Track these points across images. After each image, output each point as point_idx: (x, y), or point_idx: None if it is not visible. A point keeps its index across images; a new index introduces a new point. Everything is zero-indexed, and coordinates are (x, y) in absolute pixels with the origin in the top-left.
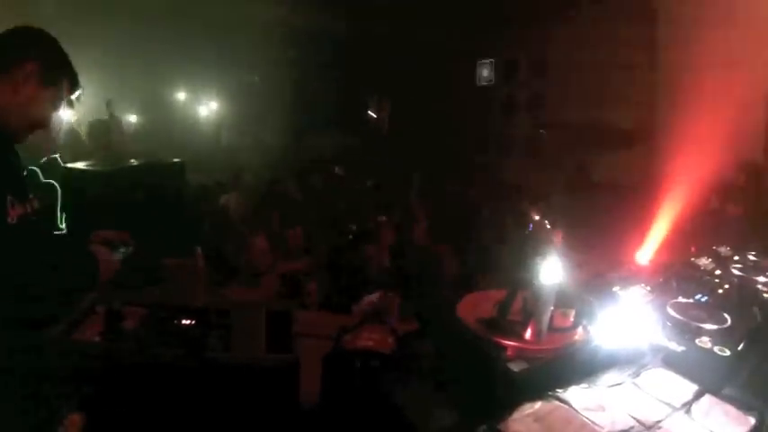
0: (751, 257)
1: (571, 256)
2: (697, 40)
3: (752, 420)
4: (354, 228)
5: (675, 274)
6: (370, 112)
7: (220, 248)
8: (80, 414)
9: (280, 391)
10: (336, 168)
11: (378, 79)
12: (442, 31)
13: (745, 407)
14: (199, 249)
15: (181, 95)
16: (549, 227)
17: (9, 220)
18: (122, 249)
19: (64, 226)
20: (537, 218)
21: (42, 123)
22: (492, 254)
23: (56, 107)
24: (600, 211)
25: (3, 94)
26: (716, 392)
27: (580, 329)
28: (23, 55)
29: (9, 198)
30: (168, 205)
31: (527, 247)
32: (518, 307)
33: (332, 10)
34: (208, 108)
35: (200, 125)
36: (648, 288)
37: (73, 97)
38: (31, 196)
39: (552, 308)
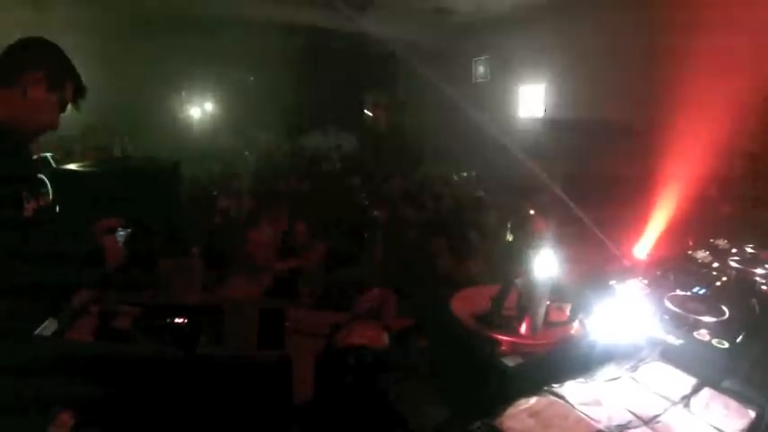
0: (749, 250)
1: (568, 251)
2: (697, 33)
3: (752, 414)
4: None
5: (673, 267)
6: (366, 111)
7: (223, 248)
8: (70, 413)
9: (272, 387)
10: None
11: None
12: (436, 30)
13: (745, 400)
14: (194, 249)
15: (175, 95)
16: (543, 221)
17: (25, 213)
18: (122, 233)
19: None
20: (532, 212)
21: (51, 125)
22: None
23: (62, 109)
24: (598, 205)
25: (13, 100)
26: (715, 386)
27: (576, 323)
28: (30, 63)
29: (24, 194)
30: (163, 205)
31: (521, 242)
32: (513, 302)
33: (329, 8)
34: (202, 108)
35: (194, 125)
36: (645, 281)
37: (78, 99)
38: (42, 191)
39: (548, 302)
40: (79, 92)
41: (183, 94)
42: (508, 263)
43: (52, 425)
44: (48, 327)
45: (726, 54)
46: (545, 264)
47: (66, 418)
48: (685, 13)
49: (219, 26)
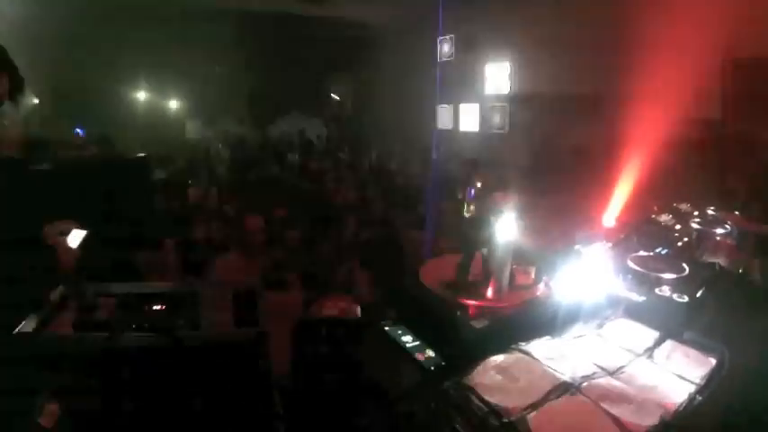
0: (710, 212)
1: (536, 220)
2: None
3: (713, 361)
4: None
5: (636, 230)
6: (333, 95)
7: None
8: (56, 404)
9: (249, 365)
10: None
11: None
12: (400, 9)
13: (706, 349)
14: (169, 242)
15: (142, 90)
16: (496, 189)
17: None
18: (76, 236)
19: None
20: (480, 183)
21: None
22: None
23: None
24: (566, 175)
25: None
26: (677, 337)
27: (542, 285)
28: None
29: None
30: (134, 200)
31: (482, 211)
32: (479, 268)
33: None
34: (171, 101)
35: (163, 118)
36: (610, 245)
37: (16, 94)
38: None
39: (513, 266)
40: (17, 85)
41: (150, 87)
42: (471, 231)
43: (39, 416)
44: (28, 323)
45: (686, 19)
46: (506, 229)
47: (52, 409)
48: None
49: (183, 16)
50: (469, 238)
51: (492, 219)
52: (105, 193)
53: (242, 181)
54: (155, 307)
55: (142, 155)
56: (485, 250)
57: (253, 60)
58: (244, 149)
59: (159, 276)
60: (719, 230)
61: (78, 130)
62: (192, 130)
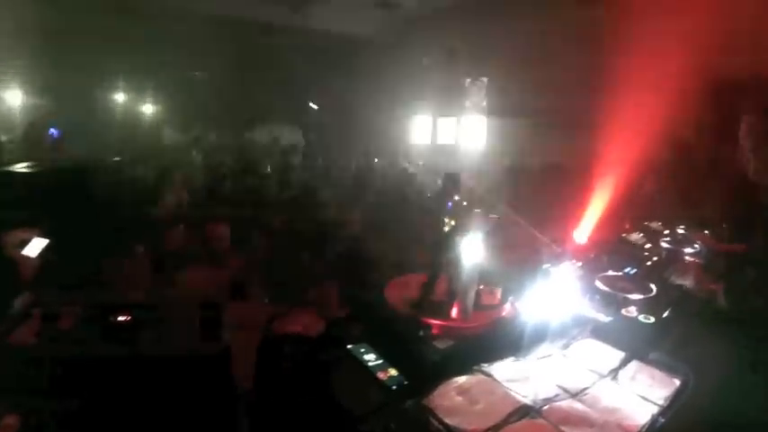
0: (680, 231)
1: (508, 238)
2: (633, 20)
3: (677, 382)
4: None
5: (607, 249)
6: (311, 104)
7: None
8: (16, 415)
9: (212, 378)
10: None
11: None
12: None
13: (670, 370)
14: (139, 248)
15: (119, 94)
16: (469, 207)
17: None
18: (36, 245)
19: None
20: (456, 198)
21: None
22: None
23: None
24: (540, 193)
25: None
26: (642, 358)
27: (507, 306)
28: None
29: None
30: (106, 205)
31: (451, 230)
32: (445, 287)
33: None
34: (148, 106)
35: (139, 122)
36: (579, 264)
37: None
38: None
39: (479, 286)
40: None
41: (127, 91)
42: (437, 250)
43: None
44: None
45: (662, 41)
46: (472, 250)
47: (11, 421)
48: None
49: (162, 21)
50: (436, 257)
51: (459, 239)
52: (76, 198)
53: (216, 189)
54: (120, 318)
55: (116, 159)
56: (450, 270)
57: (232, 67)
58: (220, 157)
59: (128, 285)
60: (689, 250)
61: (52, 131)
62: (169, 135)
